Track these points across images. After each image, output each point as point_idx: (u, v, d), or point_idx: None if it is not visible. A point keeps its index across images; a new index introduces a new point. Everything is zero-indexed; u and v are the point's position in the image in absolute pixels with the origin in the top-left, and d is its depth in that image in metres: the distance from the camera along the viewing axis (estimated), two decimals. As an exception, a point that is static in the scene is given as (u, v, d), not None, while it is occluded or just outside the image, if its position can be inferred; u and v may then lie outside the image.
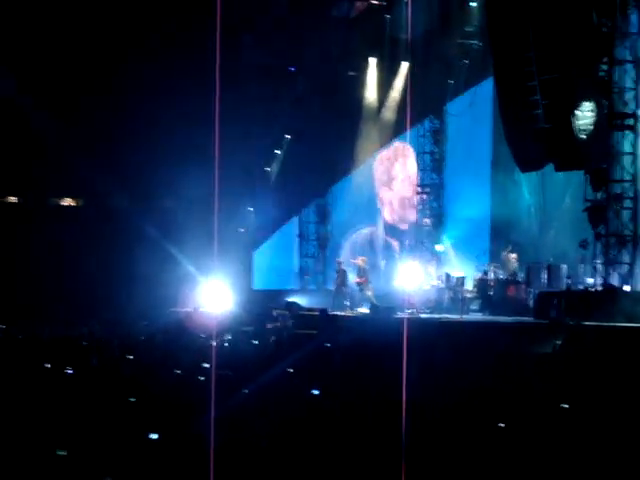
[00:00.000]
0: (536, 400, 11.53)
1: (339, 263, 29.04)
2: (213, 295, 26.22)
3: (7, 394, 12.63)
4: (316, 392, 12.71)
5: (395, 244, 32.73)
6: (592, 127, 20.53)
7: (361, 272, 26.56)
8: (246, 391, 12.52)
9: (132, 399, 12.28)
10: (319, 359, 16.99)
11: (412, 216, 31.92)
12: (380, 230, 33.31)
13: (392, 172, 33.62)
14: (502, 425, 10.01)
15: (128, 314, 25.69)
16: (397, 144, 33.31)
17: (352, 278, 27.38)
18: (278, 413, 11.33)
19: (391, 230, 33.31)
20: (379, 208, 33.33)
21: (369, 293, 26.35)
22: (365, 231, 33.37)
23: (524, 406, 11.12)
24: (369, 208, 33.45)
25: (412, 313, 24.29)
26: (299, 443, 9.70)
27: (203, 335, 21.29)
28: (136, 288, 27.37)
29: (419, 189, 33.00)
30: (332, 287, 28.74)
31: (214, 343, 18.89)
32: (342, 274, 27.85)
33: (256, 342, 20.43)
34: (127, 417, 11.23)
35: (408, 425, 10.24)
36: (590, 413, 10.65)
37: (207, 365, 14.79)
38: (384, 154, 33.23)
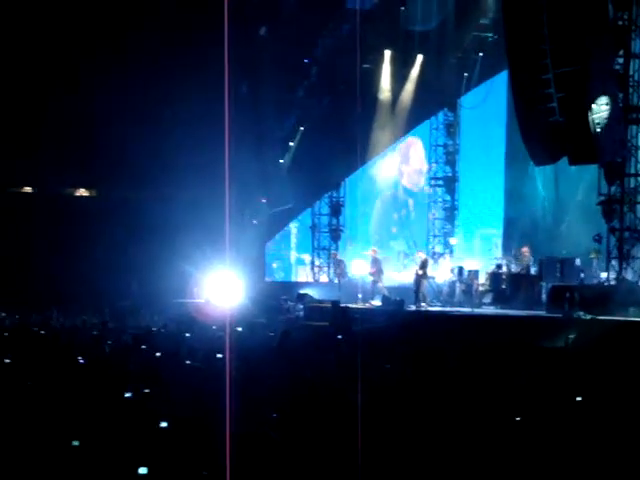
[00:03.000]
0: (550, 393, 11.50)
1: (334, 255, 29.33)
2: (224, 287, 26.24)
3: (21, 383, 12.66)
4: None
5: (410, 202, 35.21)
6: (607, 121, 20.41)
7: (373, 263, 26.51)
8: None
9: (146, 390, 12.30)
10: (330, 350, 16.99)
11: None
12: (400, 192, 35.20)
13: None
14: (518, 419, 9.98)
15: (138, 304, 25.74)
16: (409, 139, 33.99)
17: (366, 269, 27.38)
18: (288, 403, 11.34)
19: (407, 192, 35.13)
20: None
21: (380, 284, 26.30)
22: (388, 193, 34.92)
23: (538, 399, 11.09)
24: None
25: (423, 306, 24.26)
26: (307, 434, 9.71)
27: (214, 327, 21.31)
28: (146, 278, 27.43)
29: (432, 182, 33.08)
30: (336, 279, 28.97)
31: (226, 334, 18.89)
32: (340, 265, 28.08)
33: (272, 334, 20.41)
34: (140, 407, 11.25)
35: (414, 416, 10.24)
36: (603, 406, 10.61)
37: (220, 355, 14.79)
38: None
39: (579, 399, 11.12)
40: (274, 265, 36.36)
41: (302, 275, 35.24)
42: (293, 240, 37.17)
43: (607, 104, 20.44)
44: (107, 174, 29.52)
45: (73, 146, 28.36)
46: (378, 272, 26.29)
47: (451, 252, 31.50)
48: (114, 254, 28.28)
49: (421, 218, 34.06)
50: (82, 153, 28.58)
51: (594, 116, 20.33)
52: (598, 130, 20.34)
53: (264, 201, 31.66)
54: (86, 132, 28.12)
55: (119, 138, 27.05)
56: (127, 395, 11.80)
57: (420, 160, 34.59)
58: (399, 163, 34.98)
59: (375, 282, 26.33)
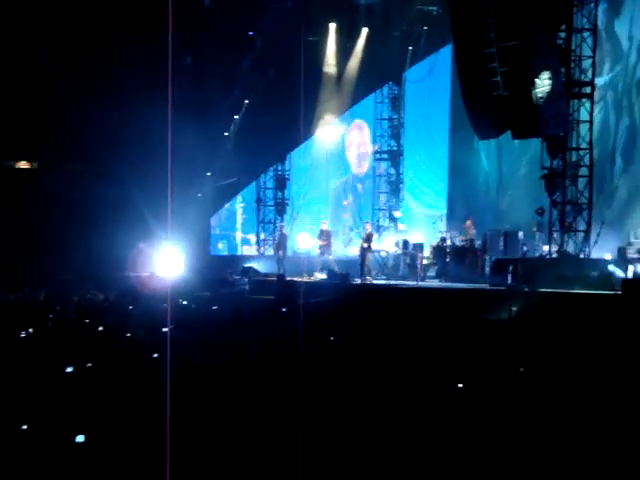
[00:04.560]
0: (493, 364, 11.63)
1: (281, 227, 29.43)
2: (168, 260, 26.10)
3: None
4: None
5: (359, 186, 35.14)
6: (549, 95, 20.57)
7: (323, 235, 26.51)
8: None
9: (89, 364, 12.22)
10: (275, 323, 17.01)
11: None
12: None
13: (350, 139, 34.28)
14: (460, 386, 10.09)
15: (82, 277, 25.49)
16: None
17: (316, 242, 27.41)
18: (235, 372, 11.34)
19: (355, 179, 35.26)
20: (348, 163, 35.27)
21: (330, 257, 26.33)
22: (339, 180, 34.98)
23: (481, 369, 11.21)
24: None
25: (368, 279, 24.36)
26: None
27: (158, 300, 21.19)
28: (89, 252, 27.15)
29: (377, 155, 33.14)
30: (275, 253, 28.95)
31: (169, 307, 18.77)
32: (283, 238, 28.17)
33: (215, 307, 20.36)
34: (82, 380, 11.17)
35: (356, 386, 10.30)
36: (545, 376, 10.77)
37: (166, 329, 14.71)
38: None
39: (522, 370, 11.26)
40: (220, 245, 36.21)
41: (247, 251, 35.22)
42: (239, 220, 36.99)
43: (549, 78, 20.58)
44: (50, 147, 29.11)
45: (17, 118, 27.91)
46: (328, 245, 26.32)
47: (396, 225, 31.62)
48: (57, 228, 27.94)
49: (368, 193, 34.21)
50: (24, 125, 28.12)
51: (537, 90, 20.47)
52: (541, 104, 20.49)
53: (209, 174, 31.46)
54: (31, 104, 27.69)
55: (61, 110, 26.67)
56: (68, 370, 11.71)
57: (365, 144, 34.64)
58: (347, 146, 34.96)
59: (322, 254, 26.32)
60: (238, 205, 36.68)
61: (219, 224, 36.44)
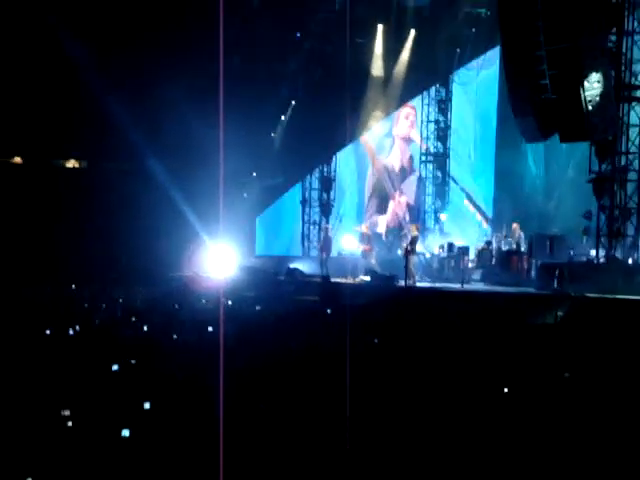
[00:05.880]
0: (539, 369, 11.55)
1: (326, 229, 29.19)
2: (216, 260, 26.21)
3: (12, 356, 12.65)
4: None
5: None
6: (599, 98, 20.39)
7: (365, 239, 26.49)
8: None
9: (132, 361, 12.32)
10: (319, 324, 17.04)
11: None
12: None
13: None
14: (506, 390, 10.05)
15: (130, 277, 25.69)
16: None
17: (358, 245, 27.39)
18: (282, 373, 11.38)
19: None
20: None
21: (372, 261, 26.31)
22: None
23: (527, 375, 11.15)
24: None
25: (412, 282, 24.29)
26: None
27: (204, 300, 21.32)
28: (138, 251, 27.37)
29: (423, 157, 33.08)
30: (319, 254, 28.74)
31: (216, 307, 18.92)
32: (328, 240, 28.06)
33: (259, 307, 20.43)
34: (127, 379, 11.26)
35: (402, 388, 10.29)
36: (591, 382, 10.68)
37: (211, 329, 14.80)
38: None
39: (567, 375, 11.18)
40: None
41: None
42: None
43: (599, 82, 20.40)
44: (99, 147, 29.38)
45: (64, 117, 28.16)
46: (371, 248, 26.31)
47: (441, 228, 31.53)
48: (105, 227, 28.18)
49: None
50: (73, 125, 28.38)
51: (586, 93, 20.30)
52: (590, 108, 20.31)
53: (255, 175, 31.57)
54: (77, 105, 27.91)
55: (110, 112, 26.87)
56: (115, 368, 11.81)
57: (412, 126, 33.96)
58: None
59: (365, 257, 26.31)
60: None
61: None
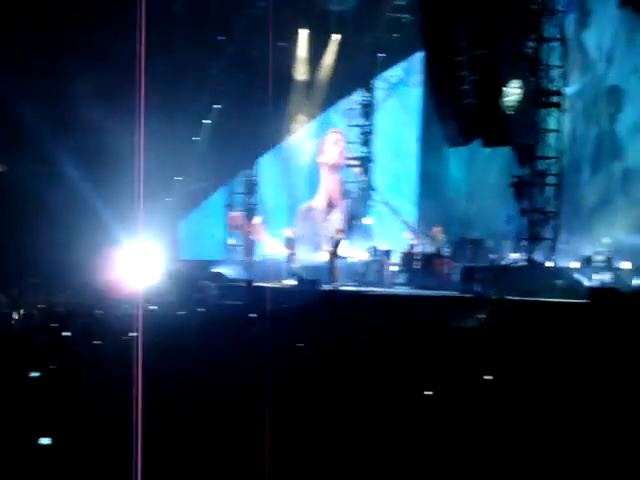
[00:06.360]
0: (460, 372, 11.63)
1: (249, 232, 29.16)
2: (137, 265, 25.87)
3: None
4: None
5: None
6: (519, 104, 20.70)
7: (290, 243, 26.48)
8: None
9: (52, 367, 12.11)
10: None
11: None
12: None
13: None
14: (429, 393, 10.10)
15: (50, 281, 25.25)
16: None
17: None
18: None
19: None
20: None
21: (296, 265, 26.32)
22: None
23: (449, 377, 11.21)
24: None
25: (336, 286, 24.33)
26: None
27: (126, 305, 21.04)
28: (55, 256, 26.91)
29: (348, 162, 33.11)
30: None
31: (138, 313, 18.63)
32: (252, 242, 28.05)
33: (182, 312, 20.25)
34: (47, 386, 11.06)
35: (326, 392, 10.27)
36: (513, 385, 10.78)
37: (134, 334, 14.59)
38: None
39: (488, 378, 11.27)
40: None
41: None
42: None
43: (519, 87, 20.71)
44: (8, 149, 28.81)
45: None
46: (294, 252, 26.32)
47: (365, 232, 31.62)
48: (19, 231, 27.67)
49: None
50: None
51: (506, 99, 20.59)
52: (510, 113, 20.60)
53: (178, 179, 31.33)
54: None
55: (18, 114, 26.38)
56: (34, 374, 11.59)
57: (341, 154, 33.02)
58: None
59: (289, 262, 26.24)
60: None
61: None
